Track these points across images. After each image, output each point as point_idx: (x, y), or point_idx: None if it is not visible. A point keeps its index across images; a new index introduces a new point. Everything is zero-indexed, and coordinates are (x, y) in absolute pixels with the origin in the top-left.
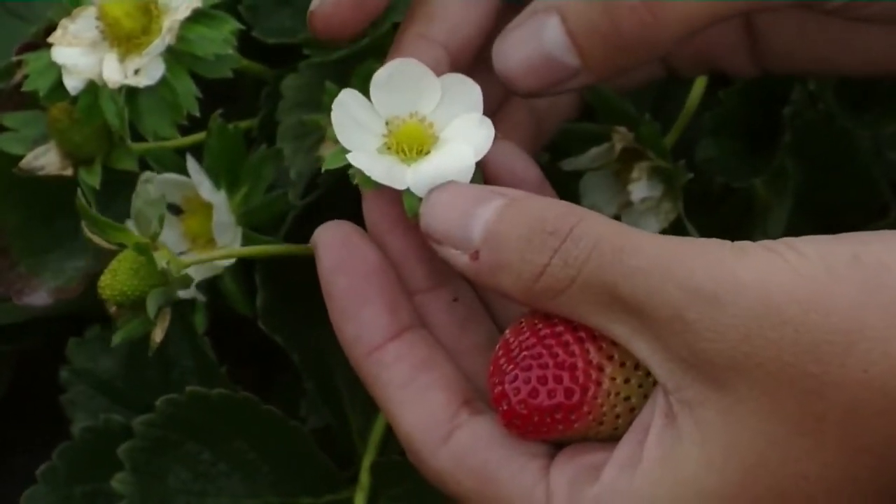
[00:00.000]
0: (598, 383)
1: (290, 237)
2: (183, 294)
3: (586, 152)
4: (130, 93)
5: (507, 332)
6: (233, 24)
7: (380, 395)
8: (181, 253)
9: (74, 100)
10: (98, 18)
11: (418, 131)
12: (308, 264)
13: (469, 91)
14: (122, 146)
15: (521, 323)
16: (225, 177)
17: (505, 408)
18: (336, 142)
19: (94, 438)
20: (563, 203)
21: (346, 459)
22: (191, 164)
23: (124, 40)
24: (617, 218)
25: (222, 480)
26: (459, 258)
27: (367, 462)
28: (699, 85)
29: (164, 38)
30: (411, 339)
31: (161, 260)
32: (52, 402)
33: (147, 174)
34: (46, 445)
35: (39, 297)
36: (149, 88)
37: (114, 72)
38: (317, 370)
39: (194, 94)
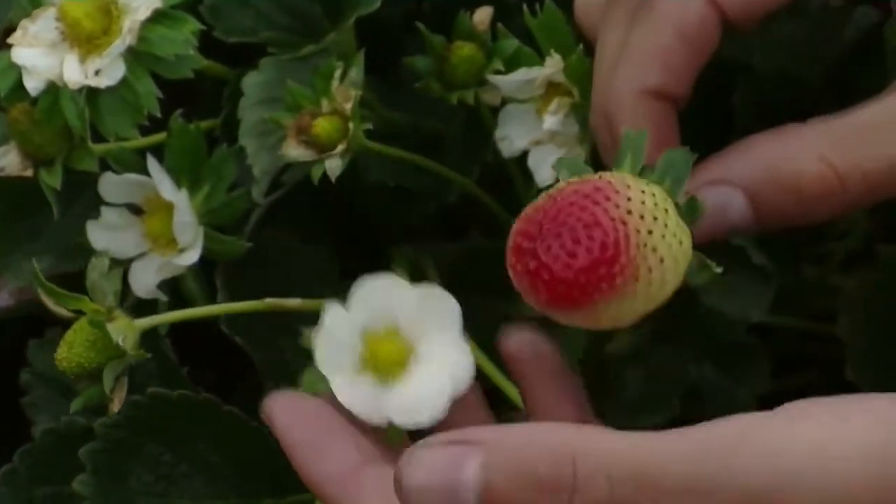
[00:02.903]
0: (626, 236)
1: (254, 236)
2: (144, 295)
3: (515, 70)
4: (91, 93)
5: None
6: (193, 25)
7: None
8: (142, 254)
9: (35, 101)
10: (58, 19)
11: (395, 349)
12: (269, 266)
13: (447, 308)
14: (82, 147)
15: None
16: (186, 176)
17: (546, 278)
18: (297, 140)
19: (55, 440)
20: (546, 431)
21: None
22: (151, 163)
23: (84, 41)
24: (524, 154)
25: (184, 482)
26: None
27: None
28: None
29: (125, 38)
30: (383, 469)
31: (117, 333)
32: (13, 405)
33: (96, 260)
34: (7, 448)
35: (1, 298)
36: (109, 89)
37: (74, 72)
38: (278, 371)
39: (155, 94)
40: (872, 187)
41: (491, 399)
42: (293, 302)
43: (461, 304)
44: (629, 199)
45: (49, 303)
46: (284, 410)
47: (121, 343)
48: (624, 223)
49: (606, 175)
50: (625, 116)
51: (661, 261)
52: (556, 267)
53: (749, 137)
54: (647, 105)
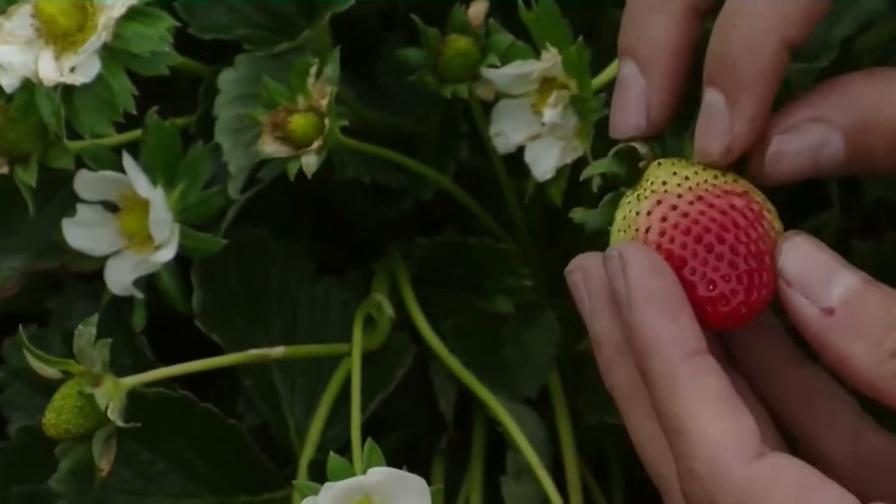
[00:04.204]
0: (771, 255)
1: (230, 233)
2: (120, 292)
3: (510, 63)
4: (66, 91)
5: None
6: (169, 21)
7: (690, 397)
8: (117, 251)
9: (10, 98)
10: (33, 16)
11: None
12: (246, 263)
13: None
14: (58, 144)
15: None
16: (162, 173)
17: (723, 310)
18: (273, 137)
19: (31, 438)
20: None
21: (284, 457)
22: (127, 161)
23: (60, 38)
24: (521, 150)
25: (161, 479)
26: (807, 308)
27: (304, 460)
28: None
29: (100, 35)
30: (716, 362)
31: (104, 399)
32: None
33: (83, 328)
34: None
35: None
36: (85, 86)
37: (50, 70)
38: (254, 368)
39: (131, 91)
40: None
41: (462, 403)
42: (276, 351)
43: (435, 299)
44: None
45: (37, 366)
46: (641, 253)
47: (109, 412)
48: (767, 240)
49: (755, 193)
50: (758, 68)
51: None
52: (735, 302)
53: (845, 76)
54: (783, 58)
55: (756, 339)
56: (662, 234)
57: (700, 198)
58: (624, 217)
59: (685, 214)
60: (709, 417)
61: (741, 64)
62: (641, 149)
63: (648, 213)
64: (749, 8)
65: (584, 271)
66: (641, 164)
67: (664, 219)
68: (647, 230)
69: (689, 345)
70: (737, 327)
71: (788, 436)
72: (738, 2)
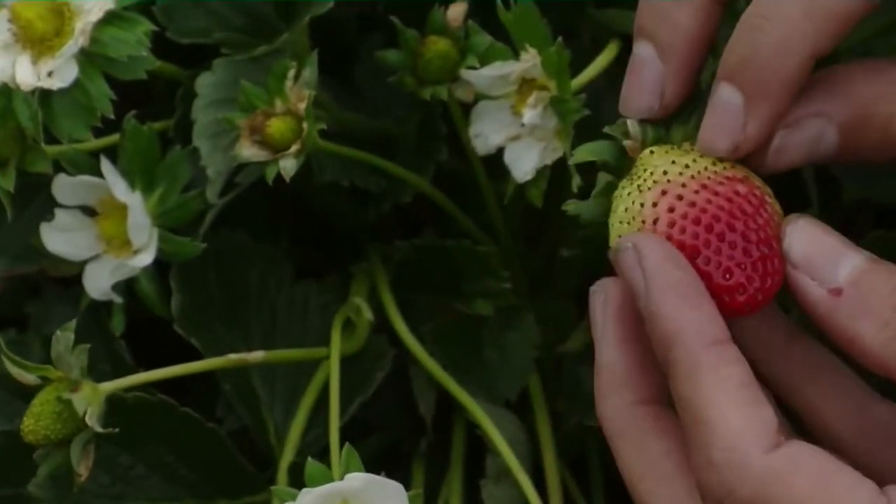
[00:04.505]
0: (778, 239)
1: (208, 237)
2: (99, 297)
3: (489, 64)
4: (44, 95)
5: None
6: (146, 26)
7: (712, 386)
8: (96, 256)
9: None
10: (10, 20)
11: None
12: (224, 267)
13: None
14: (36, 149)
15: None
16: (140, 178)
17: (741, 298)
18: (251, 140)
19: (10, 443)
20: None
21: (263, 461)
22: (105, 165)
23: (37, 42)
24: (500, 151)
25: (140, 483)
26: (814, 289)
27: (284, 463)
28: (611, 49)
29: (78, 40)
30: (739, 351)
31: (82, 404)
32: None
33: (61, 333)
34: None
35: None
36: (62, 91)
37: (27, 74)
38: (233, 372)
39: (108, 96)
40: None
41: (442, 406)
42: (255, 356)
43: (414, 302)
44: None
45: (15, 372)
46: (657, 245)
47: (87, 417)
48: (773, 226)
49: (754, 179)
50: (783, 77)
51: None
52: (752, 289)
53: (845, 69)
54: (808, 68)
55: (754, 318)
56: (672, 224)
57: (704, 186)
58: (626, 209)
59: (692, 204)
60: (730, 407)
61: (767, 70)
62: (633, 129)
63: (654, 204)
64: (780, 15)
65: (606, 294)
66: (628, 147)
67: (672, 209)
68: (655, 221)
69: (712, 334)
70: (752, 314)
71: (792, 412)
72: (768, 5)
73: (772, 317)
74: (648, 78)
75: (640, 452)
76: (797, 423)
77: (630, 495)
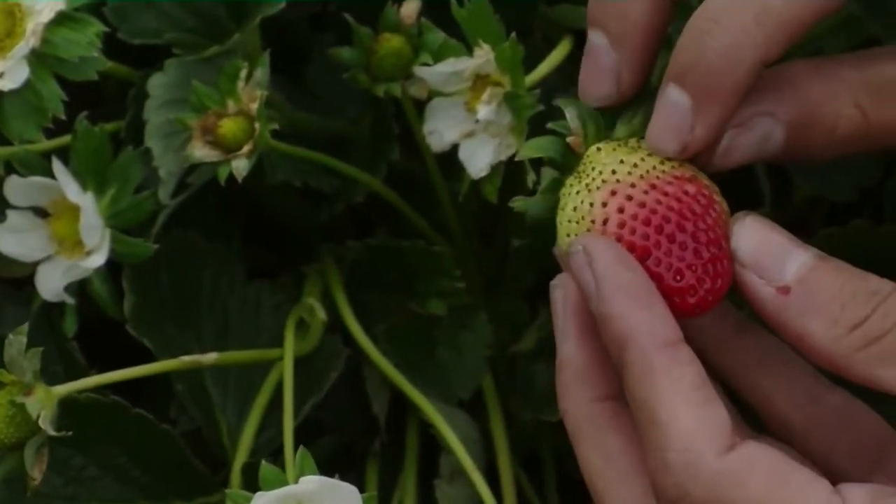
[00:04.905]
0: (727, 239)
1: (161, 237)
2: (51, 298)
3: (443, 60)
4: None
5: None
6: (97, 27)
7: (666, 388)
8: (48, 257)
9: None
10: None
11: None
12: (177, 267)
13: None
14: None
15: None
16: (92, 179)
17: (692, 300)
18: (203, 141)
19: None
20: None
21: (217, 462)
22: (57, 166)
23: None
24: (453, 151)
25: (93, 485)
26: (762, 288)
27: (237, 464)
28: (563, 46)
29: (28, 41)
30: (692, 351)
31: (35, 408)
32: None
33: (13, 337)
34: None
35: None
36: (13, 92)
37: None
38: (186, 373)
39: (60, 96)
40: (889, 140)
41: (394, 404)
42: (208, 358)
43: (368, 302)
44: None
45: None
46: (609, 249)
47: (40, 421)
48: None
49: (702, 177)
50: (732, 83)
51: None
52: (703, 290)
53: (792, 68)
54: (757, 74)
55: None
56: (622, 225)
57: (653, 186)
58: (575, 208)
59: (642, 204)
60: (684, 409)
61: (716, 76)
62: (574, 125)
63: (604, 204)
64: (731, 19)
65: (565, 290)
66: (572, 143)
67: (621, 209)
68: (605, 222)
69: (664, 335)
70: (701, 315)
71: (746, 404)
72: (719, 8)
73: (721, 309)
74: (603, 66)
75: (598, 449)
76: (751, 414)
77: (589, 490)
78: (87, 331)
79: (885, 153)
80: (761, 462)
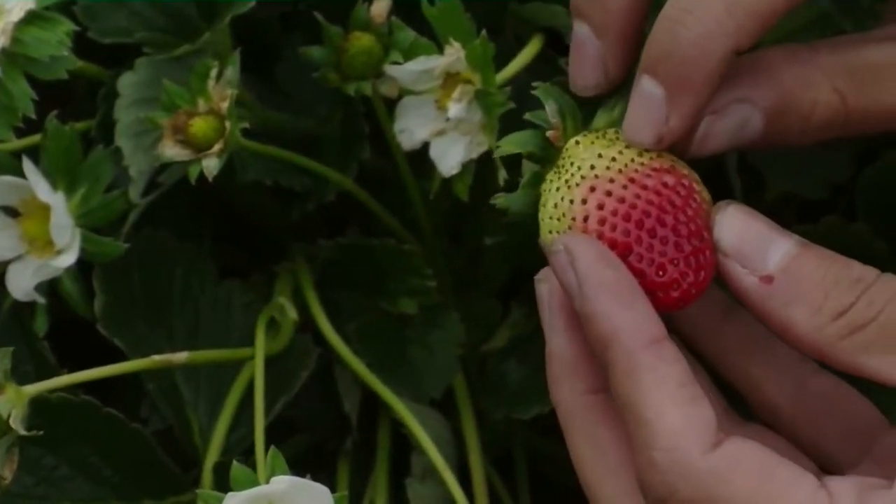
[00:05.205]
0: (708, 229)
1: (131, 236)
2: (22, 297)
3: (414, 58)
4: None
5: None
6: (67, 26)
7: (651, 387)
8: (19, 256)
9: None
10: None
11: None
12: (148, 266)
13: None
14: None
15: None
16: (62, 178)
17: (675, 294)
18: (174, 140)
19: None
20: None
21: (188, 461)
22: (27, 165)
23: None
24: (424, 150)
25: (65, 484)
26: (746, 277)
27: (209, 463)
28: (534, 44)
29: None
30: (676, 348)
31: (5, 407)
32: None
33: None
34: None
35: None
36: None
37: None
38: (157, 372)
39: (30, 96)
40: (867, 125)
41: (366, 403)
42: (179, 357)
43: (339, 301)
44: (704, 198)
45: None
46: (589, 245)
47: (11, 420)
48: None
49: (681, 167)
50: (705, 73)
51: None
52: (686, 284)
53: (768, 55)
54: (729, 64)
55: None
56: (603, 222)
57: (632, 180)
58: (556, 205)
59: (622, 199)
60: (670, 407)
61: (689, 66)
62: (553, 117)
63: (584, 201)
64: (702, 9)
65: (551, 283)
66: (551, 137)
67: (601, 206)
68: (586, 219)
69: (649, 333)
70: (685, 308)
71: (733, 389)
72: (690, 1)
73: (709, 295)
74: (590, 55)
75: (589, 441)
76: (738, 399)
77: (580, 482)
78: (58, 330)
79: (857, 149)
80: (747, 458)
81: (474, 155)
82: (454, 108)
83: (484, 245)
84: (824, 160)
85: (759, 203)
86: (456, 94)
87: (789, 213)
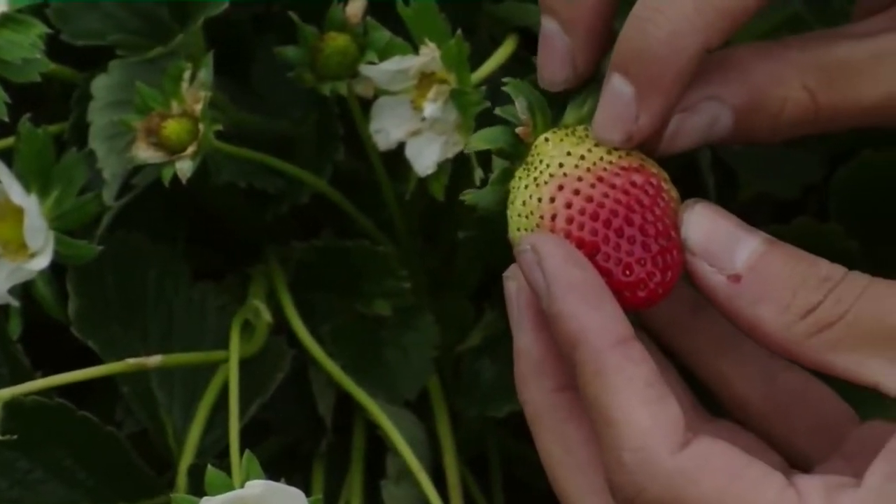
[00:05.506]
0: (676, 228)
1: (105, 239)
2: None
3: (389, 58)
4: None
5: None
6: (40, 28)
7: (619, 387)
8: None
9: None
10: None
11: None
12: (122, 269)
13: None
14: None
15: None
16: (36, 181)
17: (642, 294)
18: (147, 142)
19: None
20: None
21: (163, 464)
22: (0, 168)
23: None
24: (399, 151)
25: (39, 487)
26: (713, 276)
27: (183, 466)
28: (509, 44)
29: None
30: (644, 347)
31: None
32: None
33: None
34: None
35: None
36: None
37: None
38: (132, 375)
39: (3, 98)
40: (837, 122)
41: (341, 405)
42: (154, 360)
43: (313, 303)
44: (672, 196)
45: None
46: (557, 245)
47: None
48: (670, 218)
49: (650, 165)
50: (675, 71)
51: None
52: (653, 284)
53: (738, 52)
54: (699, 62)
55: None
56: (570, 221)
57: (600, 179)
58: (524, 203)
59: (590, 199)
60: (637, 407)
61: (659, 64)
62: (523, 113)
63: (552, 200)
64: (671, 9)
65: (519, 281)
66: (521, 133)
67: (569, 205)
68: (554, 217)
69: (616, 333)
70: (653, 307)
71: (703, 385)
72: None
73: (678, 291)
74: (558, 51)
75: (558, 440)
76: (708, 396)
77: (549, 480)
78: (32, 333)
79: (830, 149)
80: (715, 458)
81: (450, 154)
82: (429, 108)
83: (457, 242)
84: (797, 160)
85: (732, 203)
86: (431, 93)
87: (762, 213)
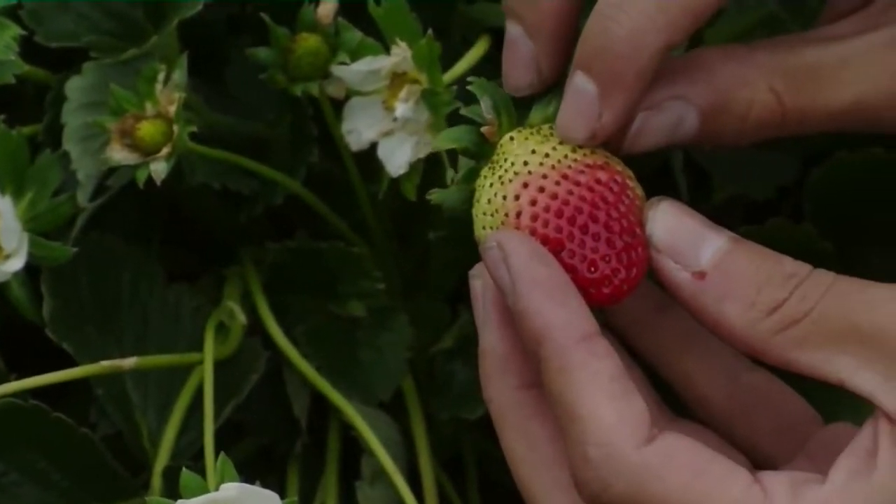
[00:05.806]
0: (641, 225)
1: (79, 240)
2: None
3: (361, 59)
4: None
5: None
6: (14, 30)
7: (584, 382)
8: None
9: None
10: None
11: None
12: (96, 270)
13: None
14: None
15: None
16: (10, 182)
17: (606, 290)
18: (121, 144)
19: None
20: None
21: (137, 466)
22: None
23: None
24: (374, 146)
25: (13, 490)
26: (678, 273)
27: (158, 468)
28: (481, 44)
29: None
30: (609, 343)
31: None
32: None
33: None
34: None
35: None
36: None
37: None
38: (106, 377)
39: None
40: (805, 125)
41: (316, 406)
42: (128, 362)
43: (288, 304)
44: (637, 194)
45: None
46: (523, 244)
47: None
48: (635, 214)
49: (615, 163)
50: (637, 69)
51: None
52: (617, 280)
53: (705, 53)
54: (661, 59)
55: None
56: (535, 218)
57: (565, 176)
58: (489, 201)
59: (554, 196)
60: (602, 402)
61: (621, 62)
62: (488, 113)
63: (517, 197)
64: (633, 7)
65: (484, 279)
66: (486, 132)
67: (534, 202)
68: (519, 215)
69: (580, 329)
70: (617, 304)
71: (667, 385)
72: None
73: (643, 289)
74: (523, 56)
75: (522, 437)
76: (672, 396)
77: (514, 478)
78: (6, 335)
79: (804, 151)
80: (680, 454)
81: (422, 154)
82: (401, 108)
83: (430, 242)
84: (771, 161)
85: (706, 204)
86: (403, 93)
87: (736, 214)
